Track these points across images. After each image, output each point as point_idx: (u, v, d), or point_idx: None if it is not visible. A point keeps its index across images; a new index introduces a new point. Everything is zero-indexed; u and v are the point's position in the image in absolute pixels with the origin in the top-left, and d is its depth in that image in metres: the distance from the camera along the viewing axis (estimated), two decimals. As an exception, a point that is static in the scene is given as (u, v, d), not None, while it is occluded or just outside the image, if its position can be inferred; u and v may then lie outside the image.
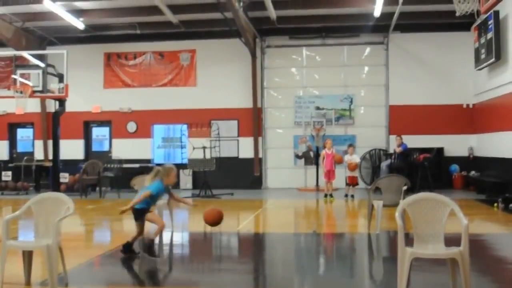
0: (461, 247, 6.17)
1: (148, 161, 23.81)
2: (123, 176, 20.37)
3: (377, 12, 19.65)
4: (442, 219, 6.48)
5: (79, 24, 21.47)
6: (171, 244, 11.32)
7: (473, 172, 21.24)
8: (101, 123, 24.93)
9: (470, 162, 21.94)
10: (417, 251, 6.34)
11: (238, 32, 21.08)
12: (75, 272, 7.89)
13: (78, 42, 23.74)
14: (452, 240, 6.52)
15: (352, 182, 18.63)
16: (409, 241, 6.52)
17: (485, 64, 19.38)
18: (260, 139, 23.49)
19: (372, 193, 11.59)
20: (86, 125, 24.98)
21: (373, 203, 11.40)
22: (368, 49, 23.28)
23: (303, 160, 23.31)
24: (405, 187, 11.13)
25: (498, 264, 8.69)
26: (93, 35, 23.39)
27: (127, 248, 9.16)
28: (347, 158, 18.88)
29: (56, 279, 6.86)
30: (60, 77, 18.33)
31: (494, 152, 19.46)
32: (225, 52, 23.57)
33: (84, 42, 23.90)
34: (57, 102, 19.11)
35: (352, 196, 18.43)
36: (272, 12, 20.90)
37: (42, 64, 18.78)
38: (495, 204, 15.39)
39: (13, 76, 18.14)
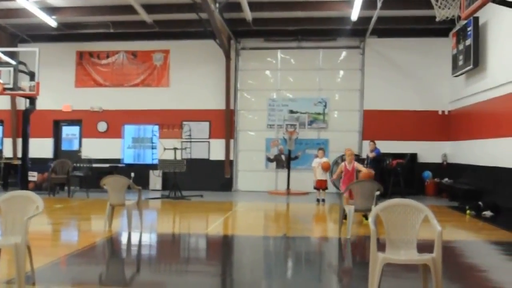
0: (434, 254, 6.17)
1: (118, 161, 23.65)
2: (93, 175, 20.29)
3: (354, 16, 19.67)
4: (416, 225, 6.47)
5: (51, 22, 21.27)
6: (139, 245, 11.22)
7: (446, 179, 21.34)
8: (72, 122, 24.66)
9: (444, 169, 22.04)
10: (389, 256, 6.32)
11: (213, 33, 20.97)
12: (42, 271, 7.80)
13: (51, 40, 23.48)
14: (424, 247, 6.54)
15: (320, 186, 18.55)
16: (380, 246, 6.48)
17: (462, 71, 19.44)
18: (232, 141, 23.40)
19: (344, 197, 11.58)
20: (56, 124, 24.70)
21: (344, 207, 11.40)
22: (344, 53, 23.27)
23: (274, 163, 23.27)
24: (377, 193, 11.15)
25: (469, 271, 8.74)
26: (66, 34, 23.15)
27: None
28: (317, 161, 18.80)
29: (24, 277, 6.74)
30: (32, 75, 18.10)
31: (468, 160, 19.58)
32: (199, 53, 23.46)
33: (56, 40, 23.65)
34: (27, 100, 18.85)
35: (323, 200, 18.41)
36: (248, 14, 20.84)
37: (13, 62, 18.49)
38: (468, 211, 15.51)
39: (-17, 73, 17.90)
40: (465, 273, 8.47)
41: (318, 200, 18.46)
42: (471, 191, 18.03)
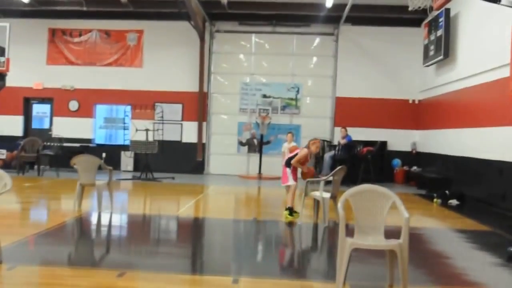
0: (401, 240, 6.24)
1: (89, 141, 23.47)
2: (63, 155, 20.07)
3: (328, 3, 19.70)
4: (384, 211, 6.51)
5: (24, -3, 21.03)
6: (109, 226, 11.19)
7: (414, 167, 21.55)
8: (42, 100, 24.33)
9: (413, 157, 22.22)
10: (357, 241, 6.37)
11: (188, 14, 20.85)
12: (9, 249, 7.70)
13: (22, 16, 23.05)
14: (391, 233, 6.61)
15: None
16: (349, 232, 6.54)
17: (433, 61, 19.59)
18: (204, 124, 23.33)
19: (324, 185, 11.52)
20: (27, 102, 24.32)
21: (319, 194, 11.36)
22: (317, 40, 23.29)
23: (246, 147, 23.29)
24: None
25: (435, 258, 8.83)
26: (38, 10, 22.80)
27: None
28: (286, 145, 18.74)
29: (-10, 256, 6.70)
30: (1, 51, 17.87)
31: (436, 149, 19.79)
32: (173, 34, 23.28)
33: (28, 16, 23.25)
34: (-3, 76, 18.66)
35: (294, 184, 18.41)
36: (223, -4, 20.79)
37: (-17, 37, 18.29)
38: (435, 200, 15.70)
39: (-48, 48, 17.64)
40: (430, 260, 8.57)
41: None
42: (439, 179, 18.26)
